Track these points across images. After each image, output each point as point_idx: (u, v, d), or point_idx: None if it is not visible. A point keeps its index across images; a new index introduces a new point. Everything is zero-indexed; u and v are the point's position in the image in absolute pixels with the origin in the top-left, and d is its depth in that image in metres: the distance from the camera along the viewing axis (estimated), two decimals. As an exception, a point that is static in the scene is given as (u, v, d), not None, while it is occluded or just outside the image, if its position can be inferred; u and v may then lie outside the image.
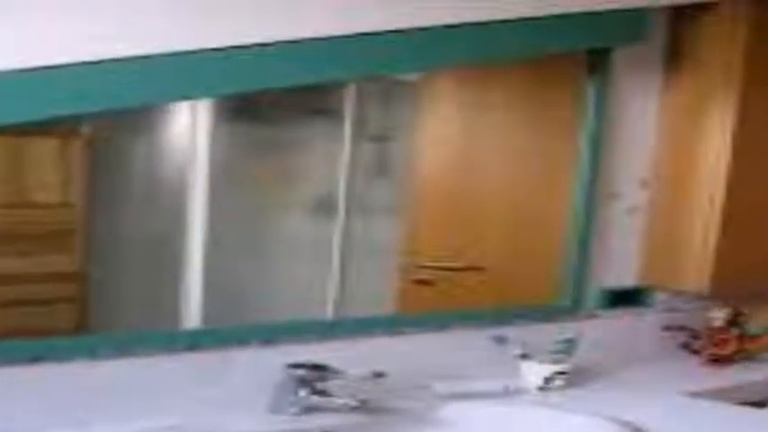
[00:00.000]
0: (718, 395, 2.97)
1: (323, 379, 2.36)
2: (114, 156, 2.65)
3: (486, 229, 3.34)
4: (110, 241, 2.61)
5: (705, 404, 2.84)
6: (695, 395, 2.91)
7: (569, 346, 2.86)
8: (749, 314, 3.44)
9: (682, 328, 3.44)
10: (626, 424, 2.50)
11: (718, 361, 3.35)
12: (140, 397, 2.26)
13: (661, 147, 3.32)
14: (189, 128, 2.75)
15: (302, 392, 2.35)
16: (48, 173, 2.50)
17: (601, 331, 3.20)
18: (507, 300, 3.14)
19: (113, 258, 2.62)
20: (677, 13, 3.23)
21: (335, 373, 2.37)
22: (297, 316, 2.69)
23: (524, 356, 2.82)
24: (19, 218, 2.45)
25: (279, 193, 3.01)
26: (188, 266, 2.73)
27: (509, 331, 2.90)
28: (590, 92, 3.10)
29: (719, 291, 3.26)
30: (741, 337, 3.40)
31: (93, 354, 2.21)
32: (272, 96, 2.83)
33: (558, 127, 3.24)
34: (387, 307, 3.11)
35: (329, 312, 2.99)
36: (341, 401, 2.34)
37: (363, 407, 2.36)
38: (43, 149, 2.48)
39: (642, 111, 3.28)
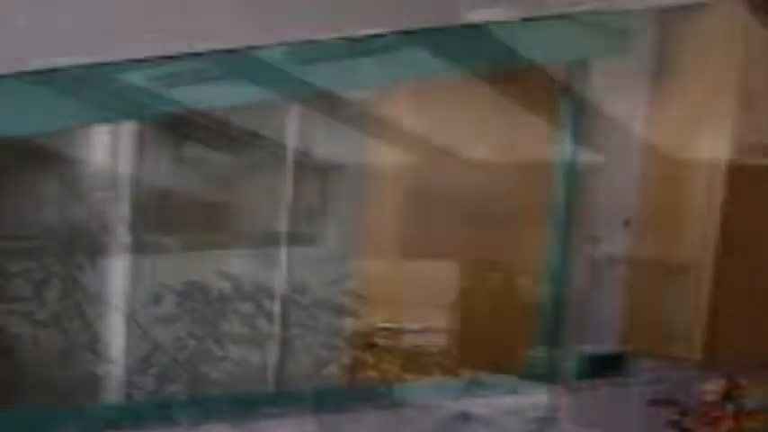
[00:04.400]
0: (711, 485, 3.04)
1: (262, 467, 2.45)
2: (21, 191, 2.68)
3: (449, 280, 3.41)
4: (16, 295, 2.64)
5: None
6: (684, 486, 2.96)
7: (542, 426, 2.96)
8: (747, 386, 3.48)
9: (670, 403, 3.45)
10: None
11: (710, 442, 3.42)
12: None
13: (646, 179, 3.33)
14: (109, 159, 2.78)
15: (238, 484, 2.43)
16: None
17: (578, 406, 3.26)
18: (472, 367, 3.20)
19: (20, 317, 2.65)
20: (666, 20, 3.25)
21: (276, 459, 2.45)
22: (232, 388, 2.75)
23: (491, 438, 2.92)
24: None
25: (212, 236, 3.05)
26: (107, 328, 2.77)
27: (474, 406, 2.99)
28: (565, 113, 3.15)
29: (713, 358, 3.27)
30: (737, 414, 3.44)
31: (-1, 437, 2.25)
32: (203, 120, 2.88)
33: (529, 155, 3.31)
34: (335, 377, 3.18)
35: (269, 384, 3.05)
36: (282, 495, 2.43)
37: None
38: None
39: (625, 135, 3.31)
